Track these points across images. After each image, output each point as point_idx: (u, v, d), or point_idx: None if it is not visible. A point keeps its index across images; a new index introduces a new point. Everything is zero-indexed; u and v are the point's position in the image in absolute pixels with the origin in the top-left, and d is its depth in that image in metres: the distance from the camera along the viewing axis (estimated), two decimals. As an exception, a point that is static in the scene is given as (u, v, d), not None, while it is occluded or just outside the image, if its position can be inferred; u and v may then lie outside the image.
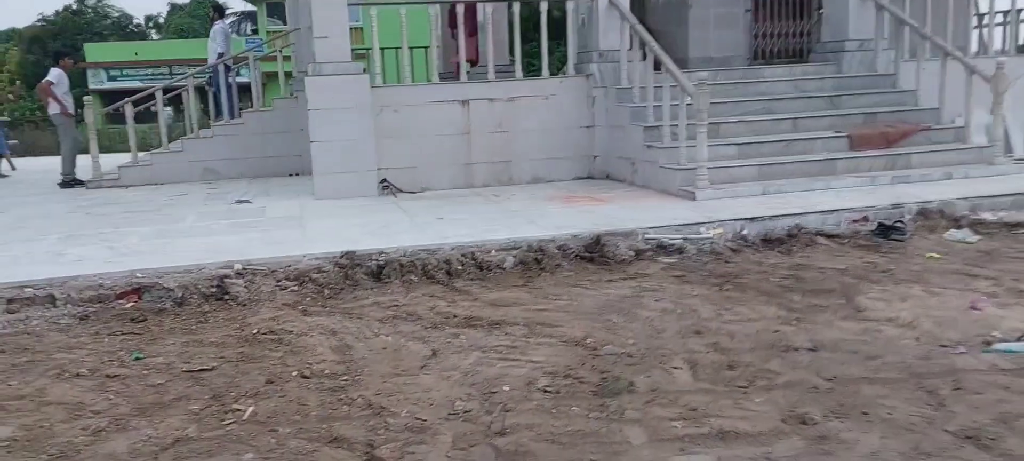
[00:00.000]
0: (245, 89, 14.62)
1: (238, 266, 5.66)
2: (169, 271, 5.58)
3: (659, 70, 8.51)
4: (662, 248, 6.23)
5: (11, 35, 47.15)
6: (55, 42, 39.08)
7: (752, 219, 6.73)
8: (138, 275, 5.52)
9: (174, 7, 50.74)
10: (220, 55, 13.47)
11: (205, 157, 12.00)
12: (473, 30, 11.87)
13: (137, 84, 35.13)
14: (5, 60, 41.23)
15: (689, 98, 7.97)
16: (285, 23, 34.51)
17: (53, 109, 11.79)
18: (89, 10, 43.05)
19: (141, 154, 12.36)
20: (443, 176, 9.53)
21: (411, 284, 5.59)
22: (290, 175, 12.09)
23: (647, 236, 6.37)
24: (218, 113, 13.25)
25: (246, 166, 12.05)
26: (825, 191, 7.86)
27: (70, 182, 11.83)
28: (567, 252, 6.11)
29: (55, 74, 11.79)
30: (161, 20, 51.50)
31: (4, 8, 75.63)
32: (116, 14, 44.96)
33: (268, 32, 35.14)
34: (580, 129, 9.83)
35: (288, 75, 15.57)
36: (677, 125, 8.19)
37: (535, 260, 5.96)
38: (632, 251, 6.14)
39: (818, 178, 8.16)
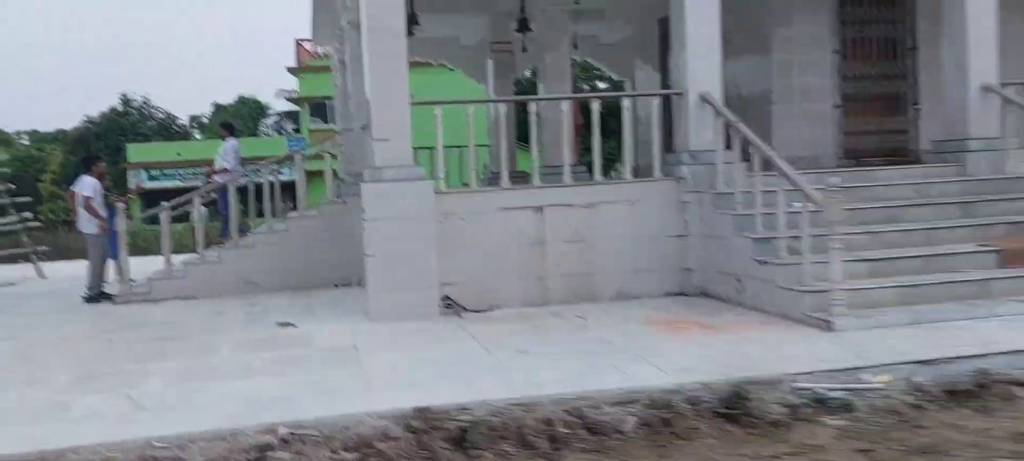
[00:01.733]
0: (288, 187, 13.65)
1: (283, 431, 4.40)
2: (196, 438, 4.33)
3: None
4: (821, 403, 4.85)
5: (57, 136, 47.78)
6: (98, 143, 39.31)
7: (925, 362, 5.35)
8: (156, 444, 4.27)
9: (218, 107, 51.31)
10: (226, 172, 12.66)
11: (244, 268, 10.90)
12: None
13: (177, 184, 34.96)
14: (49, 161, 41.47)
15: (813, 206, 6.71)
16: (326, 122, 34.31)
17: (88, 226, 10.82)
18: (134, 111, 43.40)
19: (177, 260, 11.32)
20: (513, 291, 8.30)
21: (506, 458, 4.27)
22: (335, 286, 10.93)
23: (798, 386, 5.01)
24: (224, 231, 12.32)
25: (288, 277, 10.93)
26: (989, 320, 6.46)
27: (97, 297, 10.79)
28: (701, 408, 4.76)
29: (89, 185, 10.88)
30: (205, 120, 52.06)
31: (52, 110, 77.91)
32: (161, 115, 45.32)
33: (310, 131, 34.86)
34: (669, 239, 8.57)
35: (334, 174, 14.71)
36: (798, 238, 6.91)
37: (662, 420, 4.62)
38: (784, 407, 4.77)
39: (973, 303, 6.78)
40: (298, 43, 35.04)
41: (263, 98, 52.25)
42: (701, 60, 8.42)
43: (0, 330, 8.71)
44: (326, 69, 33.43)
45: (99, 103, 57.60)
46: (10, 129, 50.60)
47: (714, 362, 5.56)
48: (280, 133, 45.72)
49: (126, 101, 43.52)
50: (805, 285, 6.78)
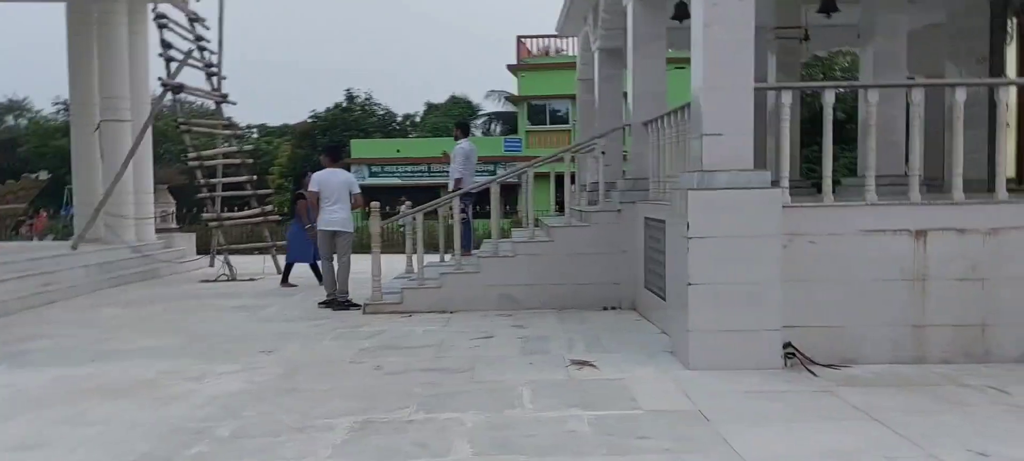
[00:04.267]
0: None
1: None
2: None
3: None
4: None
5: (284, 130, 50.31)
6: (324, 137, 40.69)
7: None
8: None
9: (430, 106, 52.05)
10: (458, 181, 11.30)
11: (502, 281, 9.52)
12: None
13: (396, 181, 35.28)
14: (277, 154, 43.50)
15: None
16: (548, 123, 33.19)
17: (342, 224, 9.96)
18: (357, 107, 44.67)
19: (429, 260, 10.21)
20: (877, 342, 6.23)
21: None
22: (604, 309, 9.31)
23: None
24: (465, 241, 11.02)
25: (550, 294, 9.43)
26: None
27: (344, 303, 9.83)
28: None
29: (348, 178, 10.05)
30: (417, 119, 53.05)
31: (281, 107, 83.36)
32: (382, 111, 46.40)
33: (527, 132, 33.95)
34: (1106, 282, 6.14)
35: (572, 179, 13.21)
36: None
37: None
38: None
39: None
40: (520, 40, 34.26)
41: (474, 98, 52.46)
42: None
43: (258, 339, 7.81)
44: (549, 67, 32.54)
45: (327, 99, 60.39)
46: (243, 122, 53.98)
47: None
48: (487, 134, 45.41)
49: (350, 97, 44.85)
50: None
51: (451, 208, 10.06)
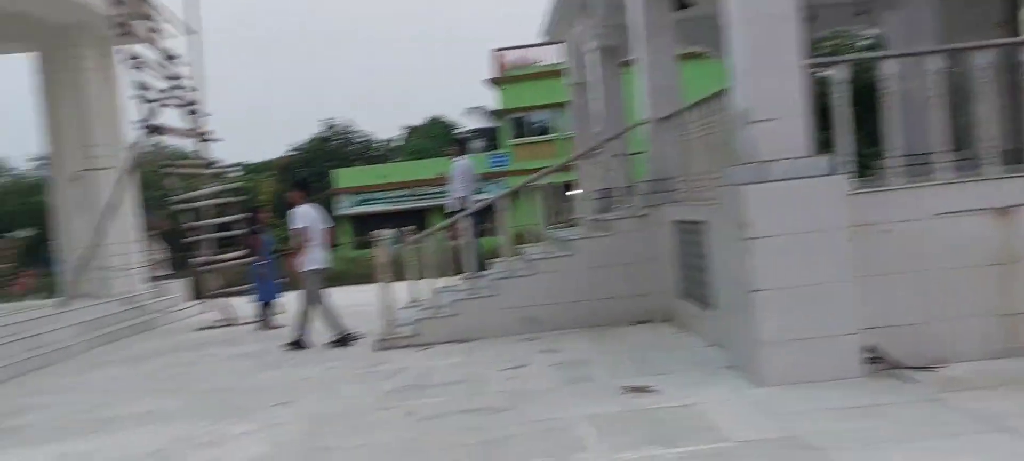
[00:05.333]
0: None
1: None
2: None
3: None
4: None
5: (265, 166, 49.46)
6: (305, 170, 39.91)
7: None
8: None
9: (411, 129, 51.36)
10: (462, 199, 10.70)
11: (522, 302, 8.84)
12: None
13: (384, 207, 34.51)
14: (259, 190, 42.68)
15: None
16: (539, 134, 32.57)
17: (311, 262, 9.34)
18: (337, 137, 43.95)
19: (442, 285, 9.58)
20: (964, 336, 5.62)
21: None
22: (636, 323, 8.67)
23: None
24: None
25: (575, 312, 8.77)
26: None
27: (343, 340, 9.22)
28: None
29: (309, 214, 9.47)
30: (397, 143, 52.31)
31: (260, 144, 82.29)
32: (361, 139, 45.70)
33: (512, 146, 33.33)
34: None
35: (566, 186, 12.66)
36: None
37: None
38: None
39: None
40: (496, 53, 33.64)
41: (451, 118, 51.76)
42: None
43: (270, 389, 7.12)
44: (532, 77, 31.92)
45: (298, 133, 59.46)
46: (227, 161, 53.11)
47: None
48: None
49: (330, 126, 44.13)
50: None
51: (455, 229, 9.51)
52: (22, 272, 26.97)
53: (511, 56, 33.70)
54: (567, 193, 13.26)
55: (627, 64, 10.48)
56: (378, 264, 8.97)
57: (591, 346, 7.63)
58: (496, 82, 33.79)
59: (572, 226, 10.78)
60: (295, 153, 44.57)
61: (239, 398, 6.92)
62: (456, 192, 10.93)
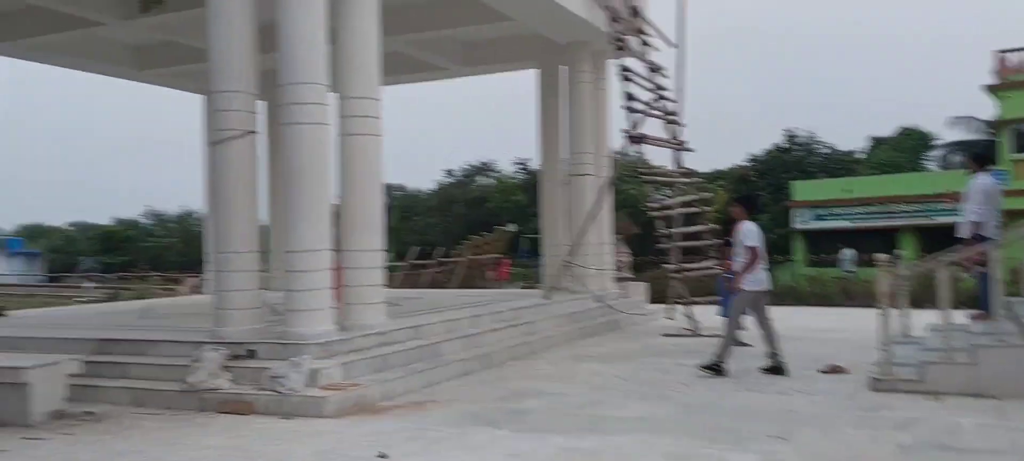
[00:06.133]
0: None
1: None
2: None
3: None
4: None
5: (717, 176, 49.59)
6: (761, 181, 39.01)
7: None
8: None
9: (877, 141, 47.16)
10: (976, 225, 8.89)
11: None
12: None
13: (845, 224, 32.14)
14: (715, 201, 42.87)
15: None
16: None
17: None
18: (798, 148, 42.23)
19: (938, 322, 8.25)
20: None
21: None
22: None
23: None
24: (982, 301, 8.74)
25: None
26: None
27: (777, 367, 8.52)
28: None
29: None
30: (860, 155, 48.42)
31: (716, 152, 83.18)
32: (826, 150, 43.31)
33: (1012, 161, 28.52)
34: None
35: None
36: None
37: None
38: None
39: None
40: (997, 54, 28.99)
41: (928, 128, 46.19)
42: None
43: (758, 415, 6.71)
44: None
45: (756, 143, 58.27)
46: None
47: None
48: (945, 168, 39.21)
49: (791, 137, 42.62)
50: None
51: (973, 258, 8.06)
52: (503, 261, 30.67)
53: (1016, 58, 28.82)
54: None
55: None
56: (879, 291, 8.01)
57: None
58: (997, 89, 29.18)
59: None
60: (751, 163, 43.87)
61: (727, 420, 6.64)
62: (971, 215, 9.33)
